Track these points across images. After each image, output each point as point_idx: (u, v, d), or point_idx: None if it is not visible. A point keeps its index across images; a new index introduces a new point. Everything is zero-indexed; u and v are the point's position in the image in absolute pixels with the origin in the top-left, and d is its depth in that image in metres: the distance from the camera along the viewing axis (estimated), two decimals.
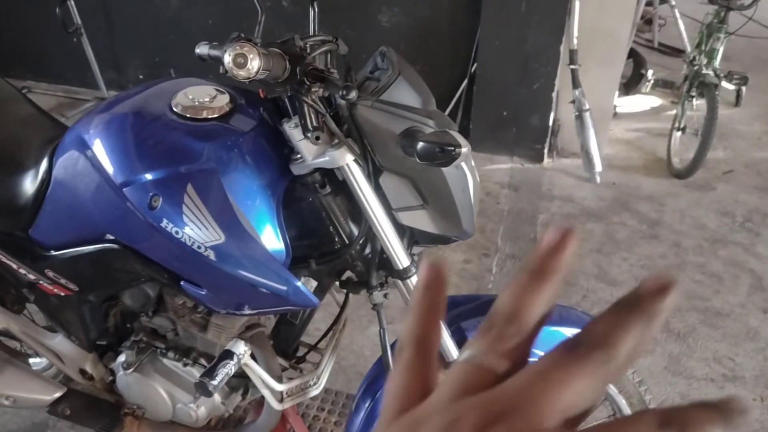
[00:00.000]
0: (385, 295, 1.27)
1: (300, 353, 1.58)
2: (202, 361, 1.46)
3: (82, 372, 1.62)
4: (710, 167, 3.74)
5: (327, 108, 1.13)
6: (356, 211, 1.20)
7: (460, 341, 1.27)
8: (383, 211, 1.16)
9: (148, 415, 1.57)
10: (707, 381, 2.31)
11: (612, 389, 1.45)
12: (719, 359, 2.42)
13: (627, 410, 1.48)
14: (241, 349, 1.35)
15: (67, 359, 1.60)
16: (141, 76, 4.37)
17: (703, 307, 2.69)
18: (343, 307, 1.61)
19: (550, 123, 3.63)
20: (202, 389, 1.28)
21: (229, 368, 1.31)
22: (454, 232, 1.22)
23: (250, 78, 0.91)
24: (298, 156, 1.16)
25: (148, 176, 1.13)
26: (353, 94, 0.96)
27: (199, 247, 1.13)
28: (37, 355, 1.89)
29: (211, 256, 1.13)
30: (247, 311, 1.23)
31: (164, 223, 1.14)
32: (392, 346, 1.39)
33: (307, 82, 0.99)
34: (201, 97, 1.20)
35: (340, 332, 1.62)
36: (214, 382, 1.28)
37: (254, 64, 0.90)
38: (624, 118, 4.38)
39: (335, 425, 2.08)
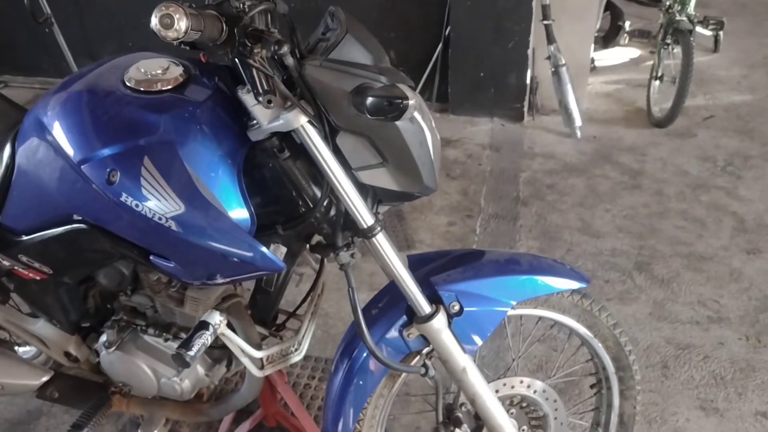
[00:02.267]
0: (352, 255, 1.28)
1: (279, 321, 1.60)
2: (182, 335, 1.47)
3: (67, 355, 1.63)
4: (690, 114, 3.75)
5: (280, 72, 1.13)
6: (318, 173, 1.21)
7: (431, 296, 1.28)
8: (342, 171, 1.16)
9: (134, 392, 1.59)
10: (692, 324, 2.34)
11: (587, 333, 1.47)
12: (704, 302, 2.45)
13: (604, 354, 1.50)
14: (217, 319, 1.36)
15: (51, 343, 1.61)
16: None
17: (687, 252, 2.71)
18: (319, 273, 1.62)
19: (528, 81, 3.62)
20: (179, 360, 1.29)
21: (204, 338, 1.33)
22: (416, 188, 1.23)
23: (179, 39, 0.91)
24: (254, 122, 1.16)
25: (105, 152, 1.13)
26: (285, 49, 0.96)
27: (160, 219, 1.14)
28: (25, 344, 1.91)
29: (173, 226, 1.14)
30: (219, 280, 1.23)
31: (124, 197, 1.14)
32: (370, 304, 1.40)
33: (248, 44, 0.98)
34: (153, 70, 1.20)
35: (318, 297, 1.63)
36: (191, 353, 1.29)
37: (181, 24, 0.89)
38: (603, 71, 4.37)
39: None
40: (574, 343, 1.53)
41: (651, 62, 3.95)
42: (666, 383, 2.10)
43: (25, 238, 1.37)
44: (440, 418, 1.40)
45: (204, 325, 1.34)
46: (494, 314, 1.32)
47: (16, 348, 1.97)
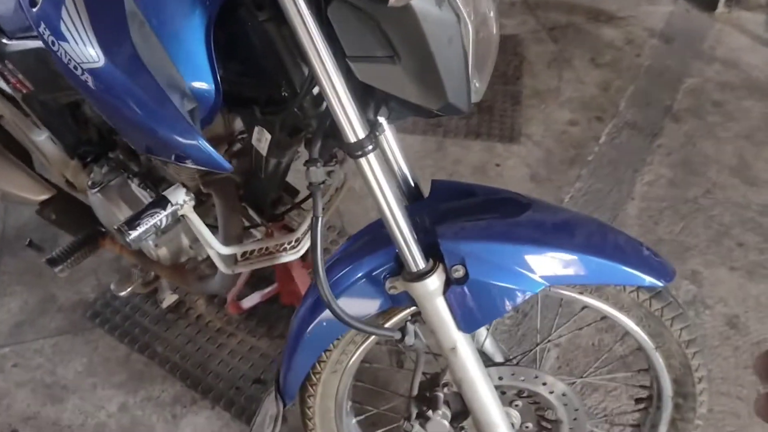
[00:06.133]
0: (329, 174, 0.95)
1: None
2: None
3: (67, 181, 1.49)
4: None
5: None
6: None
7: (430, 249, 0.94)
8: (330, 56, 0.80)
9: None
10: None
11: (648, 341, 1.08)
12: None
13: (664, 372, 1.12)
14: (180, 198, 1.11)
15: (52, 162, 1.47)
16: None
17: None
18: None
19: None
20: (120, 236, 1.07)
21: (157, 219, 1.09)
22: (435, 104, 0.84)
23: None
24: None
25: None
26: None
27: (76, 68, 0.86)
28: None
29: (90, 82, 0.85)
30: (161, 157, 0.96)
31: (42, 27, 0.86)
32: (358, 235, 1.09)
33: None
34: None
35: (335, 194, 1.33)
36: (133, 233, 1.07)
37: None
38: None
39: None
40: (629, 343, 1.14)
41: None
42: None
43: (7, 42, 1.19)
44: (414, 392, 1.11)
45: (161, 203, 1.11)
46: (512, 293, 0.96)
47: None
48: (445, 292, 0.96)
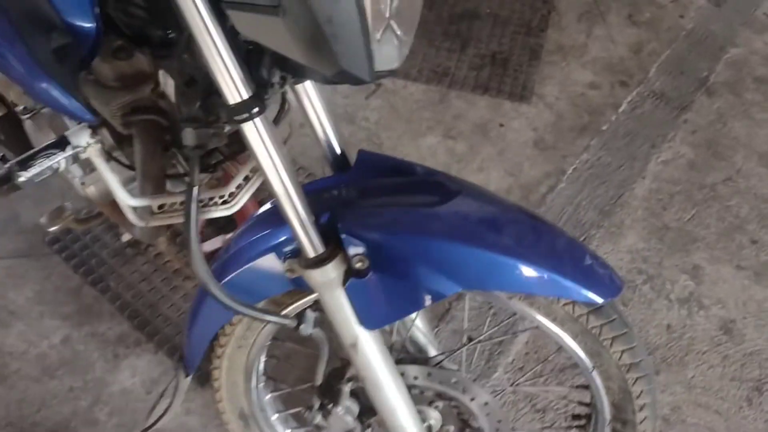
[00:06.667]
0: (214, 134, 0.82)
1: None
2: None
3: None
4: None
5: None
6: None
7: (330, 234, 0.82)
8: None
9: None
10: None
11: (585, 359, 0.95)
12: None
13: (602, 394, 0.99)
14: (83, 140, 1.00)
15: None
16: None
17: None
18: (280, 109, 1.16)
19: None
20: (4, 179, 0.97)
21: (53, 162, 0.99)
22: (328, 69, 0.70)
23: None
24: None
25: None
26: None
27: None
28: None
29: None
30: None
31: None
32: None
33: None
34: None
35: (288, 137, 1.20)
36: (21, 177, 0.97)
37: None
38: None
39: None
40: (567, 356, 1.01)
41: None
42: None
43: None
44: (318, 381, 1.01)
45: (60, 144, 1.00)
46: (420, 294, 0.84)
47: None
48: (344, 284, 0.85)
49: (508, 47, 2.25)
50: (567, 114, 2.10)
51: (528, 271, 0.83)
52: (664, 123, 2.09)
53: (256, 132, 0.75)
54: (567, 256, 0.88)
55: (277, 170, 0.78)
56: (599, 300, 0.85)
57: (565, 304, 0.89)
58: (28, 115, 1.26)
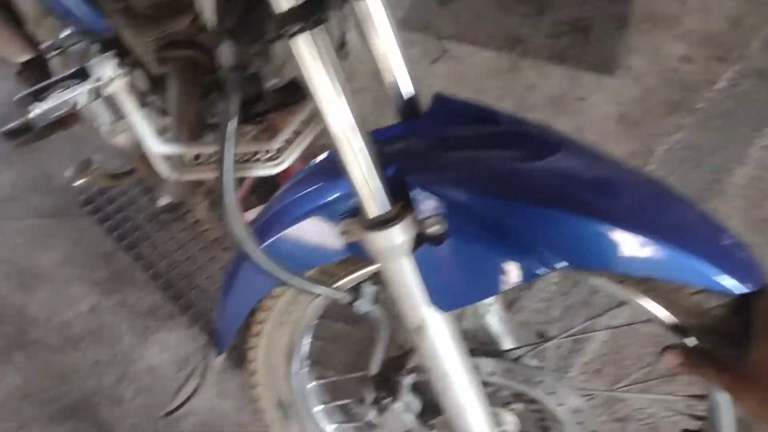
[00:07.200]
0: (256, 56, 0.65)
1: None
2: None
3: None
4: None
5: None
6: None
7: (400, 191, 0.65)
8: None
9: None
10: None
11: None
12: None
13: (725, 408, 0.79)
14: (106, 72, 0.85)
15: (27, 17, 1.25)
16: None
17: None
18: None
19: None
20: (18, 110, 0.83)
21: (71, 95, 0.84)
22: None
23: None
24: None
25: None
26: None
27: None
28: None
29: None
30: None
31: None
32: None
33: None
34: None
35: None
36: (38, 110, 0.82)
37: None
38: None
39: None
40: None
41: None
42: None
43: None
44: (373, 371, 0.84)
45: (80, 74, 0.85)
46: (509, 269, 0.66)
47: None
48: (414, 251, 0.67)
49: (592, 14, 2.03)
50: (657, 89, 1.87)
51: (649, 249, 0.63)
52: (760, 107, 1.85)
53: (313, 49, 0.58)
54: (700, 233, 0.69)
55: (337, 101, 0.61)
56: (742, 289, 0.65)
57: (693, 293, 0.70)
58: (54, 53, 1.12)
